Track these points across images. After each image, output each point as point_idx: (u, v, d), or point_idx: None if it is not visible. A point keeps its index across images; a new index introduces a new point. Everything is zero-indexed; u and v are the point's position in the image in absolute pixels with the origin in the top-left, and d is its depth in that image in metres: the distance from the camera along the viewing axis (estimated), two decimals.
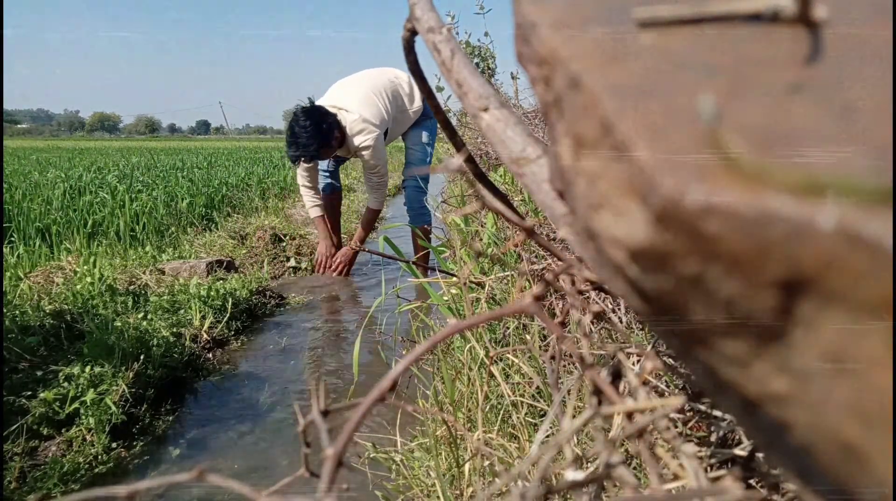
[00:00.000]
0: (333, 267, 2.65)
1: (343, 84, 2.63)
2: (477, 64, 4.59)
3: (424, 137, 2.73)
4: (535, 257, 1.27)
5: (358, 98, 2.48)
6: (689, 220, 0.14)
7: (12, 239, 2.92)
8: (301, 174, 2.65)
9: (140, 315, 1.70)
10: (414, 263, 1.26)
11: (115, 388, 1.28)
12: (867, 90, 0.15)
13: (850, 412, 0.13)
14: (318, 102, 2.47)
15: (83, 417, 1.19)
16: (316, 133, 2.29)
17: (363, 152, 2.47)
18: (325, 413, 0.23)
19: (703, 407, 0.45)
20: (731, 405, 0.18)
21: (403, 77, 2.66)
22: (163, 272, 2.30)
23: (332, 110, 2.41)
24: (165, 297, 1.87)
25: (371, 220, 2.66)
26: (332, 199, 2.79)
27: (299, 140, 2.29)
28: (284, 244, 2.88)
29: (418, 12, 0.37)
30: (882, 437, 0.13)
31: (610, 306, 0.88)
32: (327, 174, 2.77)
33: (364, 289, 2.47)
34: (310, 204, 2.69)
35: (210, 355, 1.69)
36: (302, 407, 1.33)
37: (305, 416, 0.24)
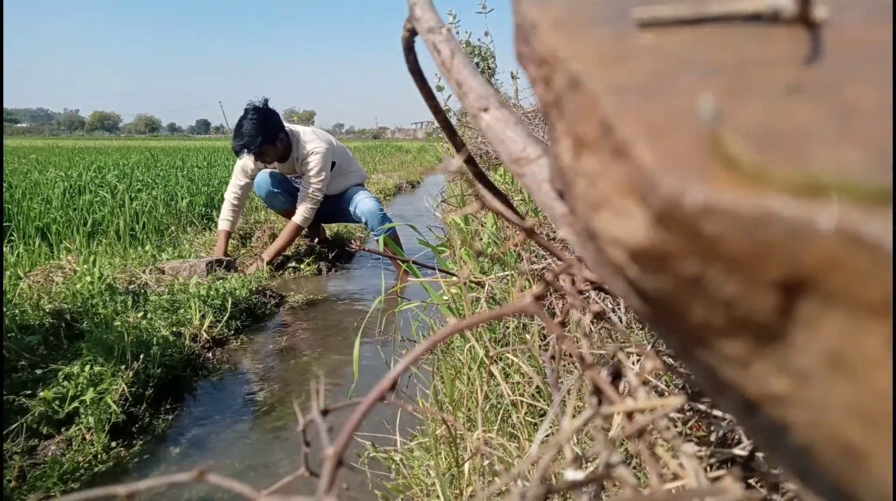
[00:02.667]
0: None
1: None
2: (477, 64, 4.59)
3: (363, 191, 2.84)
4: (535, 257, 1.27)
5: (309, 128, 2.72)
6: (689, 220, 0.14)
7: (12, 238, 2.92)
8: (233, 190, 2.69)
9: (140, 314, 1.70)
10: (414, 262, 1.26)
11: (114, 387, 1.28)
12: (867, 90, 0.15)
13: (850, 413, 0.13)
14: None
15: (83, 416, 1.19)
16: (262, 128, 2.44)
17: (311, 157, 2.56)
18: (324, 413, 0.23)
19: (703, 407, 0.45)
20: (731, 405, 0.18)
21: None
22: (162, 272, 2.30)
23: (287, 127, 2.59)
24: (165, 296, 1.87)
25: (291, 234, 2.61)
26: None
27: (244, 131, 2.44)
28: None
29: (418, 12, 0.37)
30: (882, 437, 0.13)
31: (610, 306, 0.88)
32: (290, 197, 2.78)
33: (364, 289, 2.47)
34: (223, 216, 2.69)
35: (210, 354, 1.69)
36: (302, 407, 1.33)
37: (305, 416, 0.24)
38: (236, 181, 2.70)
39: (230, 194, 2.70)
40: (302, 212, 2.58)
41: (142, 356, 1.40)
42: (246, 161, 2.66)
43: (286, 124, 2.60)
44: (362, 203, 2.71)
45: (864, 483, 0.13)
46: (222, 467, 1.14)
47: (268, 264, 2.55)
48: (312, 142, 2.59)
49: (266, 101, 2.57)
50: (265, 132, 2.44)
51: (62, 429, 1.18)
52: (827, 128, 0.14)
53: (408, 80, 0.42)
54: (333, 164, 2.69)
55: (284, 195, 2.73)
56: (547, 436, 0.70)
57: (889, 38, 0.17)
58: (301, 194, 2.60)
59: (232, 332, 1.86)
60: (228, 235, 2.68)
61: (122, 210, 3.39)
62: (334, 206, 2.79)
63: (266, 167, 2.70)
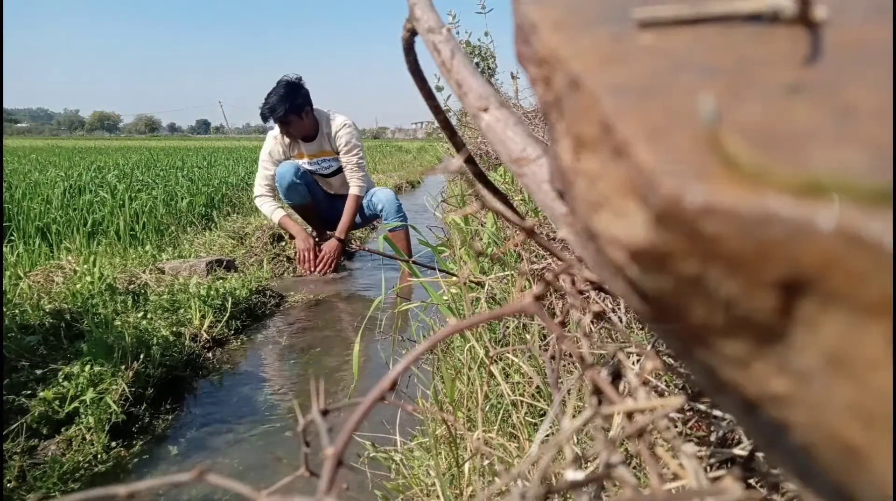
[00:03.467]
0: (320, 263, 2.60)
1: None
2: (477, 64, 4.59)
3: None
4: (535, 256, 1.27)
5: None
6: (689, 220, 0.14)
7: (12, 238, 2.92)
8: (264, 183, 2.70)
9: (140, 314, 1.70)
10: (415, 262, 1.26)
11: (114, 387, 1.28)
12: (867, 90, 0.15)
13: (850, 413, 0.13)
14: None
15: (83, 416, 1.19)
16: (289, 96, 2.53)
17: (344, 130, 2.64)
18: (324, 413, 0.23)
19: (703, 407, 0.45)
20: (731, 405, 0.18)
21: None
22: (162, 272, 2.29)
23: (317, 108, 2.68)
24: (165, 296, 1.87)
25: (354, 208, 2.68)
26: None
27: (272, 98, 2.53)
28: (284, 244, 2.88)
29: (418, 12, 0.37)
30: (882, 437, 0.13)
31: (610, 306, 0.88)
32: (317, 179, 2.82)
33: (364, 289, 2.47)
34: (271, 209, 2.70)
35: (210, 354, 1.69)
36: (302, 407, 1.33)
37: (305, 416, 0.24)
38: (265, 173, 2.70)
39: (263, 188, 2.71)
40: (357, 182, 2.66)
41: (142, 356, 1.40)
42: (274, 146, 2.69)
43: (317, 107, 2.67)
44: (380, 191, 2.78)
45: (864, 483, 0.13)
46: (222, 467, 1.14)
47: (342, 242, 2.62)
48: (341, 116, 2.68)
49: (299, 77, 2.64)
50: (293, 101, 2.52)
51: (62, 429, 1.18)
52: (827, 128, 0.14)
53: (408, 80, 0.42)
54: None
55: (303, 188, 2.72)
56: (547, 436, 0.70)
57: (889, 38, 0.17)
58: (347, 169, 2.68)
59: (232, 332, 1.86)
60: (290, 217, 2.70)
61: (122, 210, 3.39)
62: (342, 205, 2.80)
63: (289, 152, 2.73)
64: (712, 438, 0.46)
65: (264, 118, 2.59)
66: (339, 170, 2.77)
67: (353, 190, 2.67)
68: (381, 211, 2.76)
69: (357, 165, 2.67)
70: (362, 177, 2.68)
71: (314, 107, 2.65)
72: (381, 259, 2.84)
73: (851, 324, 0.13)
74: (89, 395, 1.21)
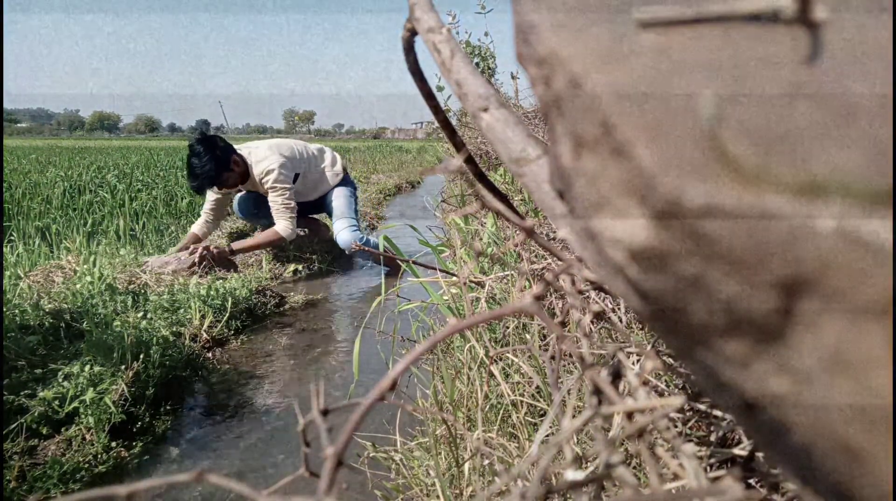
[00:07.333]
0: (194, 252, 2.36)
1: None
2: (477, 64, 4.59)
3: (345, 191, 2.82)
4: (535, 257, 1.27)
5: (265, 142, 2.67)
6: (689, 220, 0.14)
7: (12, 238, 2.92)
8: (206, 209, 2.69)
9: (140, 315, 1.70)
10: (414, 262, 1.26)
11: (114, 387, 1.28)
12: (867, 90, 0.15)
13: (849, 413, 0.13)
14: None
15: (82, 416, 1.19)
16: (212, 157, 2.37)
17: (267, 176, 2.50)
18: (324, 413, 0.23)
19: (703, 407, 0.45)
20: (731, 405, 0.18)
21: (325, 148, 2.91)
22: (144, 272, 2.29)
23: (238, 150, 2.54)
24: (165, 296, 1.87)
25: (269, 241, 2.53)
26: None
27: (196, 167, 2.37)
28: (284, 244, 2.88)
29: (418, 12, 0.37)
30: (882, 437, 0.13)
31: (610, 306, 0.88)
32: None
33: (364, 289, 2.47)
34: (195, 225, 2.70)
35: (210, 354, 1.69)
36: (302, 407, 1.33)
37: (305, 416, 0.24)
38: (207, 199, 2.68)
39: (204, 213, 2.71)
40: (283, 224, 2.52)
41: (141, 357, 1.39)
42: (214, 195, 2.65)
43: (237, 147, 2.56)
44: (340, 236, 2.65)
45: (864, 483, 0.13)
46: (222, 467, 1.14)
47: (231, 253, 2.46)
48: (265, 160, 2.52)
49: (201, 131, 2.53)
50: (217, 160, 2.38)
51: (62, 429, 1.18)
52: (827, 128, 0.14)
53: (408, 80, 0.42)
54: (297, 176, 2.65)
55: (267, 219, 2.71)
56: (547, 436, 0.70)
57: (889, 38, 0.17)
58: (273, 210, 2.55)
59: (232, 332, 1.86)
60: (197, 237, 2.63)
61: (122, 210, 3.39)
62: (312, 209, 2.89)
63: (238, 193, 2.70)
64: (712, 438, 0.46)
65: (201, 191, 2.45)
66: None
67: (279, 228, 2.52)
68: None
69: (281, 211, 2.52)
70: (290, 219, 2.53)
71: (237, 148, 2.53)
72: (381, 260, 2.84)
73: (851, 324, 0.13)
74: (89, 395, 1.21)
